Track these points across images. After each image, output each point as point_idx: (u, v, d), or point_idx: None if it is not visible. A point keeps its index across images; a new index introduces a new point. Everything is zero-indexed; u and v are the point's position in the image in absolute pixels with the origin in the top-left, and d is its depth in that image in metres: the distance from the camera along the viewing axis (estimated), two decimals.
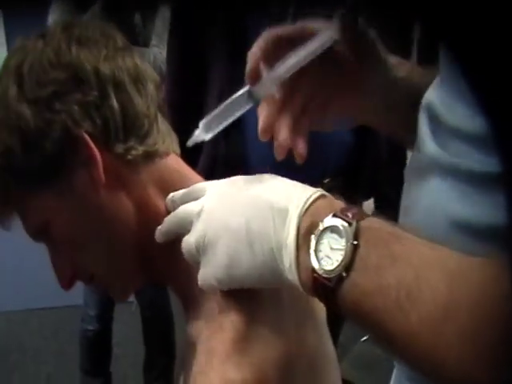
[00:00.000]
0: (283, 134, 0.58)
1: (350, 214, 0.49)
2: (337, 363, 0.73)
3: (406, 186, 0.66)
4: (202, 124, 0.59)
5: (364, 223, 0.48)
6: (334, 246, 0.48)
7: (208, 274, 0.57)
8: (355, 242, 0.47)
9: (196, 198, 0.60)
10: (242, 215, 0.54)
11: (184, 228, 0.60)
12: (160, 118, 0.70)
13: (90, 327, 2.14)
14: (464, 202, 0.53)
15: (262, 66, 0.56)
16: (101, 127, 0.64)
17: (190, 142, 0.60)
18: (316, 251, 0.49)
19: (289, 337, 0.60)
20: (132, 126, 0.66)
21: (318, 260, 0.49)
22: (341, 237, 0.48)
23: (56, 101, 0.63)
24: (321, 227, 0.49)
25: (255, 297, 0.60)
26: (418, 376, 0.50)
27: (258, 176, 0.57)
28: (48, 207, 0.66)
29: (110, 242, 0.68)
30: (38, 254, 0.78)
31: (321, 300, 0.50)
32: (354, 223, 0.48)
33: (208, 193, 0.59)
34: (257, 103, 0.58)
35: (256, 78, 0.57)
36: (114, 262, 0.69)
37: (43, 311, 2.96)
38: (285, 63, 0.57)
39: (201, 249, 0.57)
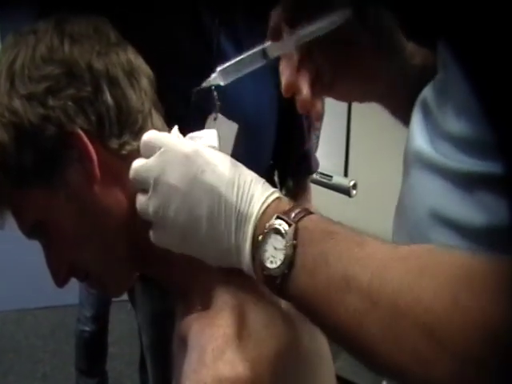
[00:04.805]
0: (305, 90, 0.60)
1: (293, 215, 0.53)
2: (331, 361, 0.73)
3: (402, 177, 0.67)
4: (218, 70, 0.63)
5: (302, 223, 0.53)
6: (277, 246, 0.53)
7: (164, 240, 0.61)
8: (294, 242, 0.52)
9: (152, 154, 0.60)
10: (204, 206, 0.57)
11: (142, 184, 0.61)
12: (154, 114, 0.70)
13: (86, 328, 2.13)
14: (449, 200, 0.54)
15: (282, 26, 0.59)
16: (95, 123, 0.64)
17: (206, 84, 0.64)
18: (263, 251, 0.54)
19: (282, 334, 0.60)
20: (126, 121, 0.66)
21: (264, 259, 0.54)
22: (282, 237, 0.52)
23: (50, 97, 0.63)
24: (266, 229, 0.54)
25: (248, 293, 0.60)
26: None
27: (217, 159, 0.58)
28: (42, 204, 0.66)
29: (104, 237, 0.67)
30: (34, 253, 0.78)
31: (275, 294, 0.55)
32: (294, 224, 0.53)
33: (165, 153, 0.59)
34: (269, 61, 0.62)
35: (277, 35, 0.60)
36: (108, 257, 0.69)
37: (39, 311, 2.95)
38: (304, 28, 0.59)
39: (157, 217, 0.59)
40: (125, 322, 2.52)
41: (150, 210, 0.59)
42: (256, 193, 0.56)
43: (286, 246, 0.52)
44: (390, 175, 0.73)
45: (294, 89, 0.61)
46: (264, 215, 0.55)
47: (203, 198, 0.57)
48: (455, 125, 0.53)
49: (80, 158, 0.64)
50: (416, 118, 0.62)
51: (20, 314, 2.94)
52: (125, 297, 1.08)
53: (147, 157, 0.61)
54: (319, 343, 0.69)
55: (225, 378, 0.54)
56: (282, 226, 0.53)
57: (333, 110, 0.62)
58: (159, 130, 0.69)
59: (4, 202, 0.67)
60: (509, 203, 0.44)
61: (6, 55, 0.66)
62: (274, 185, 0.60)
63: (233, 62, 0.63)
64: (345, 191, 1.96)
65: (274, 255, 0.53)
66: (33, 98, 0.63)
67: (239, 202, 0.56)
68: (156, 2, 1.01)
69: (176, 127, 0.65)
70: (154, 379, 1.29)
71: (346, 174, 2.51)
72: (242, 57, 0.62)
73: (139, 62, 0.69)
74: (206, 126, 1.00)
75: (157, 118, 0.70)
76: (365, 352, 0.48)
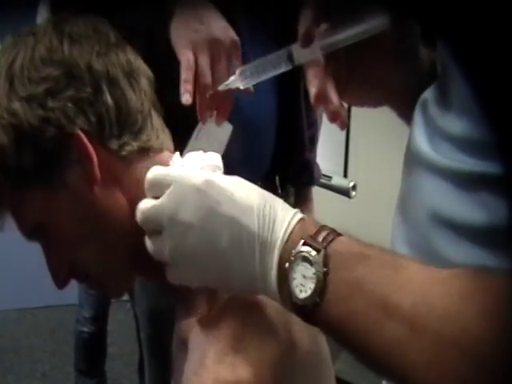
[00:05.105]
0: (335, 99, 0.58)
1: (320, 238, 0.51)
2: (330, 363, 0.73)
3: (402, 177, 0.67)
4: (238, 72, 0.60)
5: (331, 248, 0.50)
6: (306, 275, 0.50)
7: (183, 278, 0.59)
8: (325, 269, 0.49)
9: (162, 193, 0.57)
10: (224, 238, 0.54)
11: (154, 226, 0.58)
12: (154, 114, 0.70)
13: (85, 329, 2.13)
14: (449, 200, 0.54)
15: (314, 31, 0.57)
16: (95, 123, 0.64)
17: (223, 87, 0.61)
18: (291, 280, 0.51)
19: (282, 336, 0.60)
20: (126, 122, 0.66)
21: (293, 288, 0.51)
22: (311, 265, 0.50)
23: (49, 98, 0.63)
24: (293, 257, 0.51)
25: (249, 296, 0.60)
26: None
27: (230, 187, 0.55)
28: (42, 206, 0.65)
29: (105, 238, 0.67)
30: (33, 252, 0.78)
31: (305, 322, 0.53)
32: (323, 250, 0.50)
33: (176, 190, 0.56)
34: (294, 67, 0.58)
35: (309, 41, 0.57)
36: (108, 258, 0.69)
37: (38, 310, 2.95)
38: (334, 35, 0.57)
39: (175, 257, 0.57)
40: (124, 323, 2.52)
41: (167, 251, 0.57)
42: (277, 218, 0.53)
43: (315, 274, 0.49)
44: (389, 176, 0.73)
45: (324, 99, 0.58)
46: (289, 241, 0.52)
47: (222, 230, 0.54)
48: (456, 125, 0.53)
49: (80, 159, 0.64)
50: (417, 119, 0.62)
51: (20, 313, 2.95)
52: (124, 297, 1.08)
53: (154, 195, 0.58)
54: (319, 346, 0.69)
55: (225, 380, 0.54)
56: (310, 252, 0.50)
57: None
58: (158, 130, 0.69)
59: (4, 203, 0.67)
60: (509, 203, 0.44)
61: (5, 56, 0.65)
62: (275, 191, 0.58)
63: (254, 63, 0.59)
64: (344, 192, 1.96)
65: (303, 283, 0.50)
66: (32, 100, 0.63)
67: (261, 230, 0.53)
68: (156, 1, 1.02)
69: (177, 153, 0.63)
70: (150, 375, 1.29)
71: (345, 175, 2.51)
72: (264, 59, 0.59)
73: (139, 63, 0.69)
74: (199, 125, 1.00)
75: (156, 119, 0.70)
76: (404, 378, 0.47)
